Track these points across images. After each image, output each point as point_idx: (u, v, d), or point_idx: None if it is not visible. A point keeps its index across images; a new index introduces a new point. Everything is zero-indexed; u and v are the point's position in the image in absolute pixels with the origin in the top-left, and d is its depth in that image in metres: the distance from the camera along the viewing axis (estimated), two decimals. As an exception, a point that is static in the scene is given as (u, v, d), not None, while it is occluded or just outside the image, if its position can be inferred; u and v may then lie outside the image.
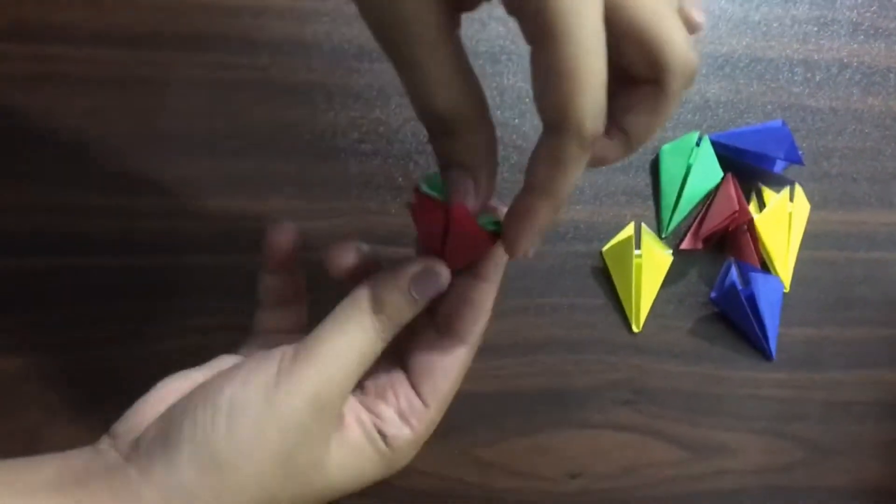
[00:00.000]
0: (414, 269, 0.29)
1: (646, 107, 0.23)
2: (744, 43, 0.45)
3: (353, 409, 0.30)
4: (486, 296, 0.31)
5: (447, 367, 0.31)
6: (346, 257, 0.30)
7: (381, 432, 0.30)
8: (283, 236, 0.32)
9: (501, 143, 0.42)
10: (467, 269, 0.31)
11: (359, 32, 0.42)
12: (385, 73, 0.42)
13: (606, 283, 0.43)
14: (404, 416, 0.30)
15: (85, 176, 0.40)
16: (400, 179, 0.42)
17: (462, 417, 0.41)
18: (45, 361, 0.39)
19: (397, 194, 0.42)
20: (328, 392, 0.27)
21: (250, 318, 0.34)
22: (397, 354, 0.31)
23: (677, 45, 0.22)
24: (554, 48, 0.20)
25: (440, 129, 0.25)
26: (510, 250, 0.26)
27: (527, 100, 0.43)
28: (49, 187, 0.39)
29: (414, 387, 0.31)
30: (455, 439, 0.41)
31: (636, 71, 0.23)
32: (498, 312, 0.41)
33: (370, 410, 0.30)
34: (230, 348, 0.32)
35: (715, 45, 0.44)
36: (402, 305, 0.28)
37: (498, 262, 0.31)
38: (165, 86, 0.41)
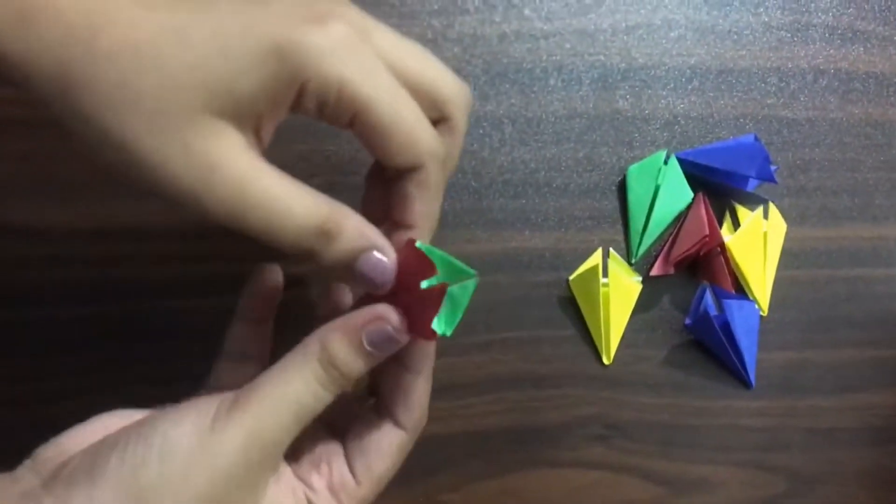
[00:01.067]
0: (365, 314, 0.27)
1: (420, 191, 0.27)
2: (713, 53, 0.42)
3: (286, 479, 0.29)
4: (418, 387, 0.30)
5: (383, 449, 0.29)
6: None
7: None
8: (272, 278, 0.33)
9: (460, 170, 0.40)
10: (398, 359, 0.29)
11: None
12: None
13: (574, 314, 0.41)
14: (334, 491, 0.29)
15: (28, 223, 0.38)
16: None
17: (425, 461, 0.39)
18: (7, 414, 0.37)
19: (351, 229, 0.40)
20: (261, 442, 0.25)
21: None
22: (337, 427, 0.30)
23: (428, 138, 0.26)
24: (376, 118, 0.24)
25: (315, 243, 0.25)
26: None
27: (485, 124, 0.41)
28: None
29: (348, 463, 0.30)
30: (418, 484, 0.39)
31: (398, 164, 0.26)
32: (461, 349, 0.40)
33: (302, 480, 0.29)
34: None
35: (682, 56, 0.42)
36: (352, 356, 0.27)
37: (425, 353, 0.30)
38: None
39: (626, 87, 0.42)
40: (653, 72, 0.42)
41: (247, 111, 0.24)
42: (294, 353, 0.27)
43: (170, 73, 0.22)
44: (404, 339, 0.27)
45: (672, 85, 0.42)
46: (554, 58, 0.41)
